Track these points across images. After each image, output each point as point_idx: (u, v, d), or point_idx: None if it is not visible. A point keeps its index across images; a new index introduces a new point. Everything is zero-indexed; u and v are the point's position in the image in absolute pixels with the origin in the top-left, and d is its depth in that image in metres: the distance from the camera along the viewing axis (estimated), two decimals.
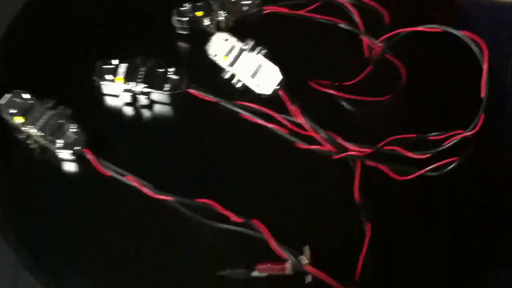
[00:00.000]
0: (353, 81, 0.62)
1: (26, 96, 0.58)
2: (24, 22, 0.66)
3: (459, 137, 0.57)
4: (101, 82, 0.60)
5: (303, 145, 0.58)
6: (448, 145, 0.57)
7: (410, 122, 0.61)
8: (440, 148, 0.57)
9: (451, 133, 0.58)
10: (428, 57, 0.66)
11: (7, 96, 0.58)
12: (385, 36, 0.64)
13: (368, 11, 0.67)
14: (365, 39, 0.65)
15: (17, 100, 0.58)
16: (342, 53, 0.66)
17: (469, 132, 0.57)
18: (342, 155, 0.57)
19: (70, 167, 0.57)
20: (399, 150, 0.56)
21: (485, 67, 0.59)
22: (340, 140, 0.58)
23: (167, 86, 0.60)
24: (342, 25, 0.66)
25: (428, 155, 0.57)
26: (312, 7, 0.66)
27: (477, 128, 0.57)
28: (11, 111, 0.57)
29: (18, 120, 0.57)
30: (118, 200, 0.55)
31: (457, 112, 0.62)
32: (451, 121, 0.59)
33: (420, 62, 0.65)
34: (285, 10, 0.66)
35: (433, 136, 0.58)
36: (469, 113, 0.58)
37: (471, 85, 0.60)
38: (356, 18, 0.66)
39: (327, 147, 0.58)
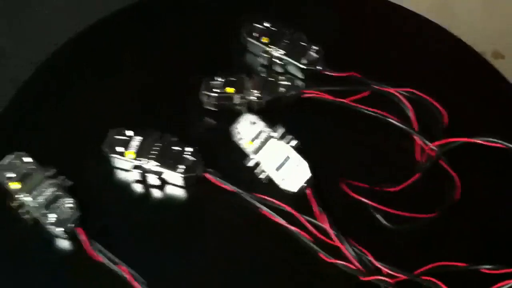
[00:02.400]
0: (397, 188, 0.53)
1: (28, 160, 0.53)
2: (38, 84, 0.61)
3: None
4: (111, 154, 0.54)
5: (328, 258, 0.50)
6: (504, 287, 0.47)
7: (458, 248, 0.52)
8: None
9: (509, 270, 0.47)
10: (488, 170, 0.56)
11: (9, 157, 0.53)
12: (443, 141, 0.55)
13: (424, 108, 0.58)
14: (418, 140, 0.56)
15: (18, 163, 0.53)
16: (388, 152, 0.57)
17: None
18: (371, 278, 0.48)
19: (60, 245, 0.51)
20: (440, 285, 0.47)
21: None
22: (370, 258, 0.50)
23: (181, 167, 0.53)
24: (392, 120, 0.57)
25: None
26: (359, 95, 0.58)
27: None
28: (9, 175, 0.52)
29: (14, 186, 0.52)
30: None
31: None
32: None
33: (478, 176, 0.55)
34: (327, 96, 0.58)
35: (486, 269, 0.48)
36: None
37: None
38: (411, 114, 0.57)
39: (355, 264, 0.49)
